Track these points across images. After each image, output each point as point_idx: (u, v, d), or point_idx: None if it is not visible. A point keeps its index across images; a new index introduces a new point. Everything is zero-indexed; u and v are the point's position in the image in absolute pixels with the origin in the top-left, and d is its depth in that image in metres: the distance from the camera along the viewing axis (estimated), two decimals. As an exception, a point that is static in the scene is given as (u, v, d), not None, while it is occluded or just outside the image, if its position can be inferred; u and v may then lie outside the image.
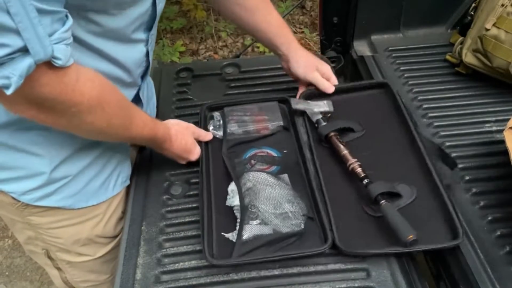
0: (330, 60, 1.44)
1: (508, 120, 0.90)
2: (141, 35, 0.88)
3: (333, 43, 1.51)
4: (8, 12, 0.56)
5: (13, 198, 0.89)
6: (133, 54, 0.89)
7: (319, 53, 1.59)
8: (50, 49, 0.62)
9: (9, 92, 0.62)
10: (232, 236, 0.89)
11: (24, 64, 0.61)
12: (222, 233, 0.90)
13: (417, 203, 0.93)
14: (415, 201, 0.94)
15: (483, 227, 0.93)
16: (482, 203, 0.97)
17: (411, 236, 0.83)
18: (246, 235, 0.86)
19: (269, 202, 0.90)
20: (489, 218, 0.94)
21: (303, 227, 0.89)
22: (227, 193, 0.97)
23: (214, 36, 2.86)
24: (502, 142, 0.87)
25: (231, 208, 0.94)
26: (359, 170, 0.97)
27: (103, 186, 0.97)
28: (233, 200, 0.94)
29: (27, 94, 0.66)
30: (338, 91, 1.16)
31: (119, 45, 0.83)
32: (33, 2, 0.58)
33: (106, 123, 0.79)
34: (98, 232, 1.00)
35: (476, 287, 0.84)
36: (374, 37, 1.48)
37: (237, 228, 0.89)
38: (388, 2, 1.44)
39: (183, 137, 1.01)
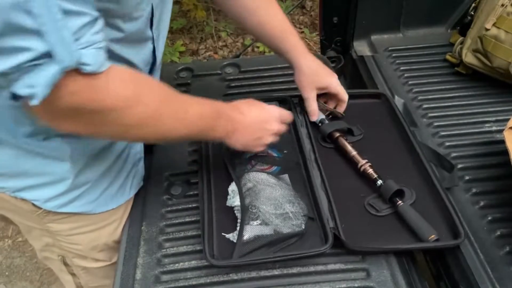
0: (330, 60, 1.44)
1: (508, 120, 0.91)
2: (149, 33, 0.85)
3: (333, 43, 1.51)
4: (29, 13, 0.52)
5: (34, 205, 0.87)
6: (143, 52, 0.87)
7: (319, 53, 1.59)
8: (77, 54, 0.57)
9: (35, 102, 0.57)
10: (232, 236, 0.89)
11: (49, 72, 0.56)
12: (223, 234, 0.90)
13: (417, 205, 0.93)
14: (415, 202, 0.94)
15: (483, 227, 0.93)
16: (482, 203, 0.97)
17: (433, 236, 0.86)
18: (246, 235, 0.86)
19: (270, 202, 0.90)
20: (489, 218, 0.94)
21: (303, 227, 0.89)
22: (227, 194, 0.96)
23: (214, 36, 2.86)
24: (502, 142, 0.87)
25: (231, 209, 0.94)
26: (371, 171, 0.98)
27: (121, 189, 0.96)
28: (234, 200, 0.94)
29: (56, 106, 0.61)
30: None
31: (133, 47, 0.81)
32: (58, 2, 0.53)
33: (155, 120, 0.72)
34: (116, 237, 0.99)
35: (476, 287, 0.84)
36: (374, 37, 1.48)
37: (238, 228, 0.89)
38: (388, 2, 1.44)
39: (256, 106, 0.92)
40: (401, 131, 1.10)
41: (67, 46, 0.56)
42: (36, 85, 0.56)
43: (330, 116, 1.13)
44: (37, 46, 0.54)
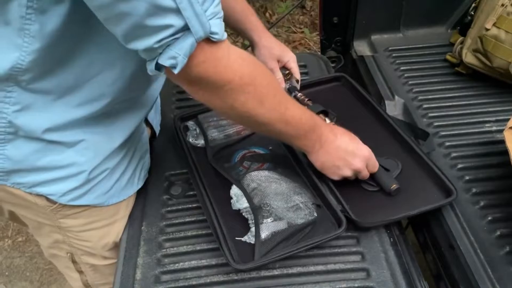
0: (330, 60, 1.44)
1: (508, 120, 0.90)
2: None
3: (333, 43, 1.51)
4: None
5: (48, 200, 0.87)
6: None
7: (319, 53, 1.59)
8: (208, 25, 0.65)
9: (176, 71, 0.66)
10: (248, 238, 0.88)
11: (187, 43, 0.64)
12: (237, 238, 0.89)
13: (404, 174, 0.97)
14: (402, 172, 0.98)
15: (483, 227, 0.93)
16: (482, 203, 0.97)
17: (394, 186, 0.94)
18: (264, 234, 0.87)
19: (279, 197, 0.91)
20: (489, 218, 0.94)
21: (316, 214, 0.90)
22: (227, 199, 0.96)
23: (214, 36, 2.86)
24: (502, 142, 0.87)
25: (235, 212, 0.93)
26: None
27: (130, 180, 0.97)
28: (241, 203, 0.93)
29: (186, 73, 0.68)
30: (300, 86, 1.20)
31: None
32: None
33: (258, 104, 0.78)
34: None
35: (476, 287, 0.84)
36: (374, 37, 1.48)
37: (252, 229, 0.89)
38: (388, 2, 1.44)
39: (351, 137, 0.93)
40: (370, 108, 1.14)
41: (200, 18, 0.63)
42: (177, 56, 0.65)
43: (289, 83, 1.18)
44: (176, 22, 0.62)
